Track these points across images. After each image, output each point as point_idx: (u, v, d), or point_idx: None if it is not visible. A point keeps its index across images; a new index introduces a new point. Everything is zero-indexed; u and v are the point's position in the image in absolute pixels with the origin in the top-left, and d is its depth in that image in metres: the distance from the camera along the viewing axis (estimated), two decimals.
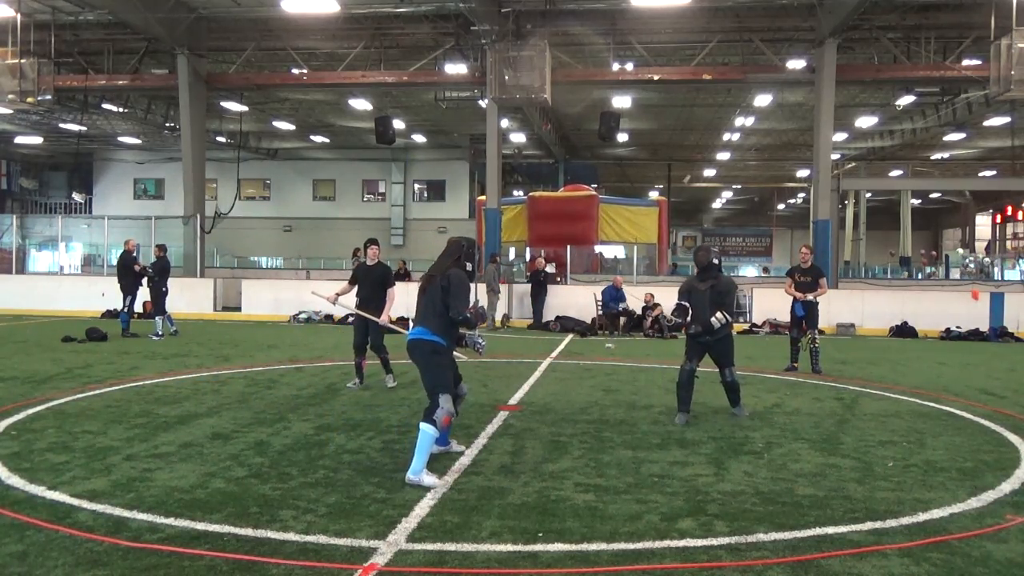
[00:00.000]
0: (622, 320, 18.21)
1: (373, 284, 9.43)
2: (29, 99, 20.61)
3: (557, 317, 19.41)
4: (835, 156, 28.65)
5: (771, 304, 18.85)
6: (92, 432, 6.88)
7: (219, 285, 21.97)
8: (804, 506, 5.11)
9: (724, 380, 8.07)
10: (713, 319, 7.74)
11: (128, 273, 15.52)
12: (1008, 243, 47.23)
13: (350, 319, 19.62)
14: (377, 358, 9.60)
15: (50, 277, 24.08)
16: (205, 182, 24.65)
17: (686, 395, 7.88)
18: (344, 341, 15.24)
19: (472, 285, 6.22)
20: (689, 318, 7.89)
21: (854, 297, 20.03)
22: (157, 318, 15.32)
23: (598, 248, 26.71)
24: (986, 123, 28.12)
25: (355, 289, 9.56)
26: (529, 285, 20.19)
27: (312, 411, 7.98)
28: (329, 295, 9.57)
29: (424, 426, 5.59)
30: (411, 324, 6.03)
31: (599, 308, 18.78)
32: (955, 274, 30.34)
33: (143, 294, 16.11)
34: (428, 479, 5.52)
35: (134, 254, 15.86)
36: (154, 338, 14.82)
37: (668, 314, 8.66)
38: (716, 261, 8.18)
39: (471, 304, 6.12)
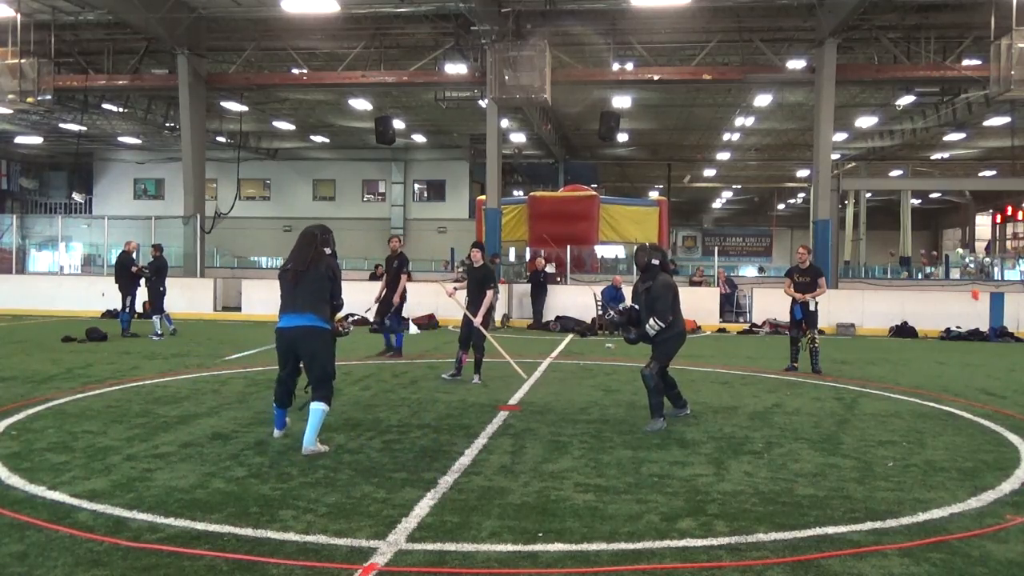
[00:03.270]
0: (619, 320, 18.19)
1: (475, 285, 10.26)
2: (29, 99, 20.60)
3: (557, 317, 19.42)
4: (835, 156, 28.62)
5: (771, 304, 18.84)
6: (92, 432, 6.88)
7: (219, 285, 21.97)
8: (804, 506, 5.11)
9: (641, 371, 7.53)
10: (647, 327, 7.41)
11: (125, 273, 15.54)
12: (1008, 243, 47.22)
13: (349, 319, 19.71)
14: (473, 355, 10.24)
15: (50, 277, 24.07)
16: (205, 182, 24.65)
17: (673, 393, 7.91)
18: (343, 341, 15.24)
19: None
20: (634, 321, 7.55)
21: (854, 297, 20.03)
22: (155, 318, 15.32)
23: (599, 248, 26.76)
24: (986, 123, 28.11)
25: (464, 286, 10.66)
26: (529, 285, 20.19)
27: None
28: (449, 289, 10.90)
29: (320, 405, 6.22)
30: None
31: (599, 308, 18.77)
32: (955, 274, 30.34)
33: (144, 294, 16.13)
34: (322, 447, 6.27)
35: (133, 255, 15.88)
36: (154, 338, 14.82)
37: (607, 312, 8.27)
38: (656, 261, 7.55)
39: None
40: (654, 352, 7.56)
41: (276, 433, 6.71)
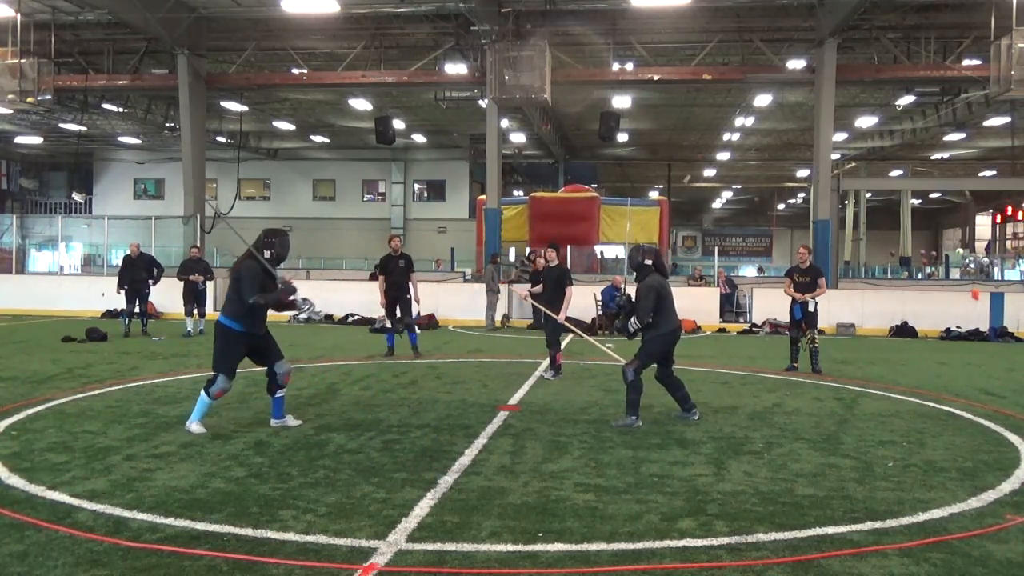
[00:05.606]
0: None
1: (553, 284, 10.55)
2: (29, 99, 20.59)
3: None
4: (835, 156, 28.65)
5: (771, 304, 18.83)
6: (92, 432, 6.88)
7: (219, 285, 21.91)
8: (804, 506, 5.11)
9: (622, 367, 7.67)
10: (628, 324, 7.71)
11: (125, 273, 15.54)
12: (1008, 243, 47.23)
13: (349, 319, 19.74)
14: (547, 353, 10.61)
15: (50, 277, 24.07)
16: (205, 182, 24.65)
17: (679, 395, 7.92)
18: (344, 341, 15.28)
19: (270, 271, 6.96)
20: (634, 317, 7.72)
21: (854, 297, 20.02)
22: (201, 319, 15.67)
23: (598, 248, 26.77)
24: (986, 123, 28.12)
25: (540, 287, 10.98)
26: (529, 285, 20.16)
27: (312, 411, 7.98)
28: (523, 293, 11.57)
29: (203, 393, 6.89)
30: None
31: (599, 308, 18.77)
32: (955, 274, 30.34)
33: (155, 296, 16.24)
34: (196, 427, 6.84)
35: (133, 256, 15.81)
36: (155, 339, 14.80)
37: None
38: (648, 262, 7.72)
39: (277, 285, 6.94)
40: (638, 351, 7.71)
41: (273, 423, 7.24)
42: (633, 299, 7.79)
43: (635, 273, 7.91)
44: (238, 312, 6.82)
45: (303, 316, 7.20)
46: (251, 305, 6.75)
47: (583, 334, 10.88)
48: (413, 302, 12.39)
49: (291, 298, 7.00)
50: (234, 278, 6.86)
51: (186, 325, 15.62)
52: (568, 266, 22.06)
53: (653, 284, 7.62)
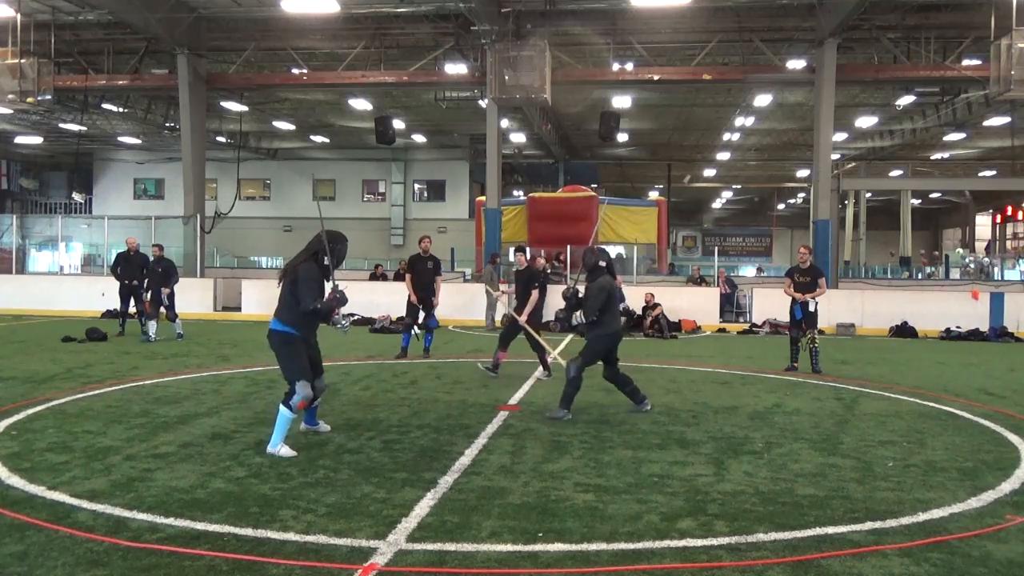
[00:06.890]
0: (622, 320, 18.20)
1: (523, 287, 10.83)
2: (29, 99, 20.58)
3: (557, 317, 19.39)
4: (835, 156, 28.63)
5: (771, 304, 18.83)
6: (92, 432, 6.88)
7: (219, 285, 21.96)
8: (804, 506, 5.11)
9: (566, 363, 7.98)
10: (573, 318, 7.95)
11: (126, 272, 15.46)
12: (1008, 243, 47.23)
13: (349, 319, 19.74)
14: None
15: (50, 277, 24.06)
16: (205, 182, 24.65)
17: (628, 390, 8.11)
18: (344, 341, 15.27)
19: (327, 276, 6.48)
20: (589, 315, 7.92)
21: (854, 297, 20.01)
22: (151, 322, 14.61)
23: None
24: (986, 123, 28.09)
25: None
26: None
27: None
28: (498, 293, 11.82)
29: (282, 408, 6.24)
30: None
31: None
32: (955, 274, 30.33)
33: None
34: (285, 451, 6.18)
35: (130, 252, 15.63)
36: (153, 339, 14.74)
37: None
38: (602, 263, 7.97)
39: (326, 294, 6.38)
40: (583, 349, 7.94)
41: (303, 428, 7.00)
42: (578, 291, 8.12)
43: (588, 273, 8.10)
44: (294, 319, 6.30)
45: (346, 323, 6.65)
46: (309, 312, 6.24)
47: (535, 335, 10.73)
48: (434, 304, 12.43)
49: (338, 309, 6.46)
50: (291, 280, 6.29)
51: (175, 327, 14.92)
52: (568, 267, 22.27)
53: (604, 285, 7.88)
